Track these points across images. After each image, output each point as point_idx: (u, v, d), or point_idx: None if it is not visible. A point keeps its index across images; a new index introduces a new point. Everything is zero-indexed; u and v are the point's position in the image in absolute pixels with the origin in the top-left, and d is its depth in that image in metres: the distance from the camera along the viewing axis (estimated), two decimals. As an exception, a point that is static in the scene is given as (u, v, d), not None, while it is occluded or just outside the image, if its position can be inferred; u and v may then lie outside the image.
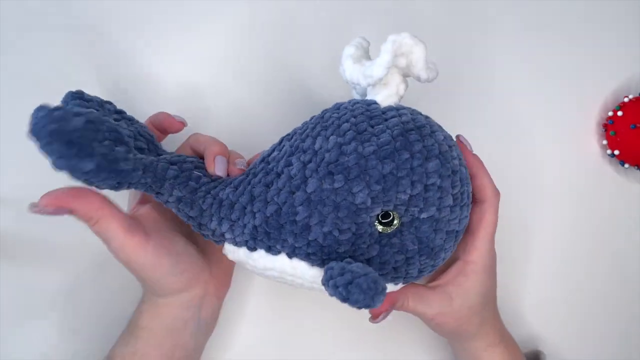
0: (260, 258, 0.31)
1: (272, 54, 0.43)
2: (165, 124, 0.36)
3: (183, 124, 0.36)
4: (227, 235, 0.31)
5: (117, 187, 0.29)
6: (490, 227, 0.34)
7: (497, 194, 0.34)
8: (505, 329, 0.38)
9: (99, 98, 0.33)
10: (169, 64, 0.42)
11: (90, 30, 0.42)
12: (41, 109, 0.27)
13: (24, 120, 0.41)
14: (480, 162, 0.34)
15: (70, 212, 0.29)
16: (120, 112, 0.34)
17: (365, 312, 0.42)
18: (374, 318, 0.34)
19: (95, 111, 0.29)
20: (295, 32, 0.44)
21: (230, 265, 0.37)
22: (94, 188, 0.29)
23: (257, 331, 0.42)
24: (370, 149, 0.29)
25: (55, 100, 0.41)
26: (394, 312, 0.34)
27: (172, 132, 0.36)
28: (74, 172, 0.27)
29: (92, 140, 0.27)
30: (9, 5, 0.42)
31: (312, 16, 0.44)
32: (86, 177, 0.27)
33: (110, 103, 0.34)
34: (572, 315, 0.45)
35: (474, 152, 0.35)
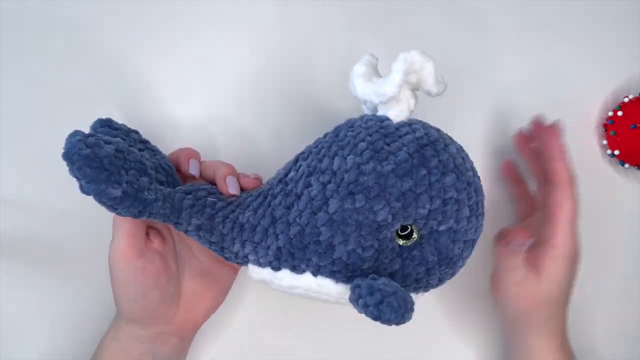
0: (285, 277, 0.32)
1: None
2: (182, 166, 0.36)
3: (195, 177, 0.36)
4: (251, 257, 0.32)
5: (138, 215, 0.30)
6: (568, 213, 0.35)
7: (570, 179, 0.35)
8: (568, 339, 0.38)
9: (126, 126, 0.35)
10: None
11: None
12: (75, 134, 0.28)
13: (24, 120, 0.41)
14: (560, 148, 0.36)
15: None
16: (145, 142, 0.36)
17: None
18: (519, 242, 0.35)
19: (122, 140, 0.31)
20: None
21: (202, 315, 0.37)
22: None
23: (254, 334, 0.42)
24: (389, 167, 0.29)
25: (56, 103, 0.42)
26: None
27: (185, 174, 0.36)
28: (101, 197, 0.28)
29: (120, 167, 0.28)
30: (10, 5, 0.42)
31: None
32: (112, 203, 0.28)
33: (136, 132, 0.36)
34: (571, 315, 0.45)
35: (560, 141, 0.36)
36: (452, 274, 0.33)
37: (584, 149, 0.46)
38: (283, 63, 0.43)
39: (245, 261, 0.33)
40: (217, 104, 0.43)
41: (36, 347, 0.40)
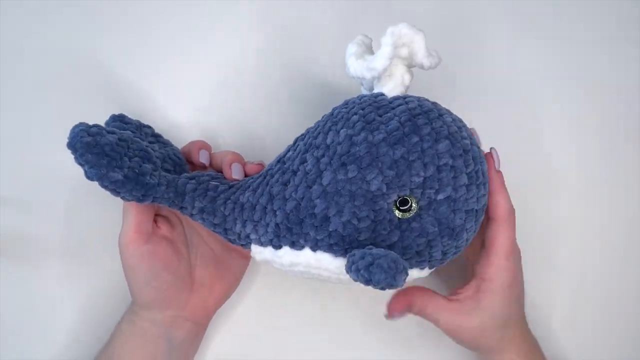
0: (286, 255, 0.32)
1: (284, 57, 0.44)
2: (193, 156, 0.37)
3: (205, 165, 0.37)
4: (252, 236, 0.33)
5: (142, 199, 0.31)
6: (504, 245, 0.34)
7: (511, 212, 0.34)
8: (535, 348, 0.37)
9: (139, 121, 0.37)
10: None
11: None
12: (80, 124, 0.30)
13: (24, 120, 0.41)
14: (500, 180, 0.34)
15: None
16: (157, 136, 0.38)
17: (360, 313, 0.42)
18: (390, 315, 0.35)
19: (130, 132, 0.33)
20: (305, 34, 0.44)
21: (215, 300, 0.38)
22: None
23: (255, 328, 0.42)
24: (380, 136, 0.30)
25: (56, 103, 0.42)
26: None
27: (196, 164, 0.38)
28: (104, 181, 0.30)
29: (122, 154, 0.30)
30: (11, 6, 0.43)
31: (320, 18, 0.45)
32: (114, 186, 0.30)
33: (149, 127, 0.38)
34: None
35: (499, 169, 0.34)
36: (457, 247, 0.32)
37: (582, 147, 0.46)
38: (283, 56, 0.44)
39: (248, 242, 0.33)
40: (219, 103, 0.43)
41: (36, 348, 0.40)
